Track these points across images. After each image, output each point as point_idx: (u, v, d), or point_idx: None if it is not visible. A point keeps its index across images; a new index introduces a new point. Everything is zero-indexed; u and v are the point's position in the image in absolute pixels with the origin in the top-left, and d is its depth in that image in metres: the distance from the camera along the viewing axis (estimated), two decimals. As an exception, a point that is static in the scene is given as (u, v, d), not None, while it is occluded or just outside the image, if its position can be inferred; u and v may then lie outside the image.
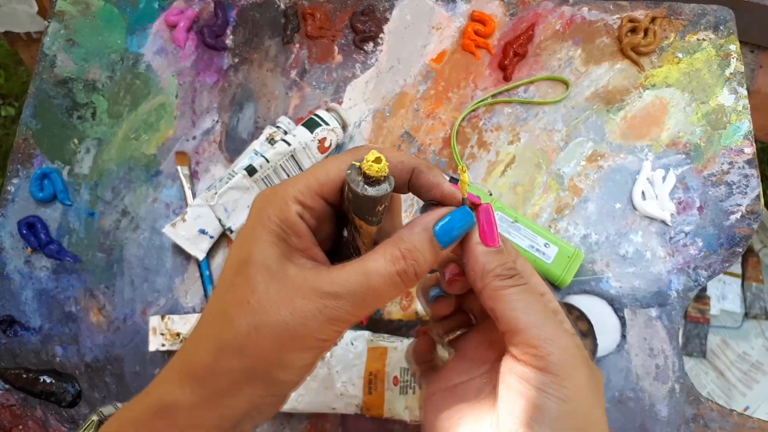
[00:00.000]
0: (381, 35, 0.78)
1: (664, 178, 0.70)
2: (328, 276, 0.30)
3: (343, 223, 0.36)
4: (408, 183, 0.34)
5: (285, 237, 0.31)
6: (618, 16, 0.76)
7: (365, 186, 0.29)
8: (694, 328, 1.18)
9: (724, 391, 1.16)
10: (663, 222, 0.69)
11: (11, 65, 1.75)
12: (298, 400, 0.59)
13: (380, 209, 0.30)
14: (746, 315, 1.20)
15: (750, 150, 0.70)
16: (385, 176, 0.29)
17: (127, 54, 0.78)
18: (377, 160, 0.29)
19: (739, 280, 1.24)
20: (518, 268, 0.33)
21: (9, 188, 0.74)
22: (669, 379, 0.64)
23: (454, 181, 0.69)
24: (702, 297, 1.18)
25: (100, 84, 0.77)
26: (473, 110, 0.74)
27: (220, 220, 0.67)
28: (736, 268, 1.24)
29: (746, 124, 0.71)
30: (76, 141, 0.75)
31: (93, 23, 0.80)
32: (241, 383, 0.30)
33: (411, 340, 0.62)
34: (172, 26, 0.79)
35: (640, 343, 0.65)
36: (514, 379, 0.31)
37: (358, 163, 0.30)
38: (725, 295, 1.22)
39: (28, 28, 0.96)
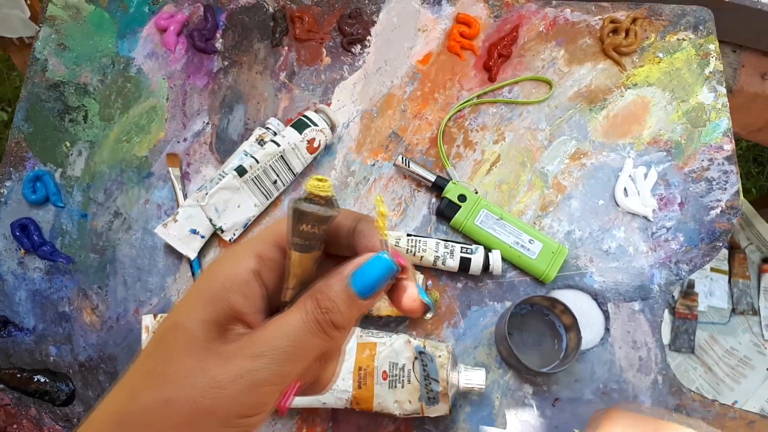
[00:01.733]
0: (368, 37, 0.79)
1: (645, 175, 0.71)
2: (249, 339, 0.27)
3: None
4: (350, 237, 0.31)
5: (225, 297, 0.28)
6: (600, 17, 0.78)
7: (302, 201, 0.27)
8: (682, 324, 1.19)
9: (713, 386, 1.18)
10: (645, 218, 0.70)
11: (3, 70, 1.75)
12: (288, 396, 0.60)
13: (307, 229, 0.28)
14: (733, 311, 1.22)
15: (729, 147, 0.72)
16: (326, 198, 0.28)
17: (118, 57, 0.79)
18: (321, 179, 0.28)
19: (726, 277, 1.25)
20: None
21: (2, 191, 0.74)
22: (652, 370, 0.65)
23: (442, 180, 0.70)
24: (690, 294, 1.19)
25: (92, 87, 0.78)
26: (459, 110, 0.76)
27: (211, 220, 0.68)
28: (723, 264, 1.25)
29: (725, 122, 0.73)
30: (68, 144, 0.76)
31: (84, 27, 0.81)
32: None
33: (400, 335, 0.63)
34: (163, 30, 0.80)
35: (624, 336, 0.66)
36: None
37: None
38: (713, 291, 1.23)
39: (20, 33, 0.96)
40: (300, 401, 0.61)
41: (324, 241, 0.30)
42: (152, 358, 0.27)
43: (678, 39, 0.77)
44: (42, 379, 0.68)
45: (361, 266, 0.29)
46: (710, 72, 0.75)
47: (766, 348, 1.17)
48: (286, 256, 0.29)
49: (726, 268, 1.25)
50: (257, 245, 0.30)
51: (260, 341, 0.27)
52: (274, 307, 0.30)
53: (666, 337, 1.12)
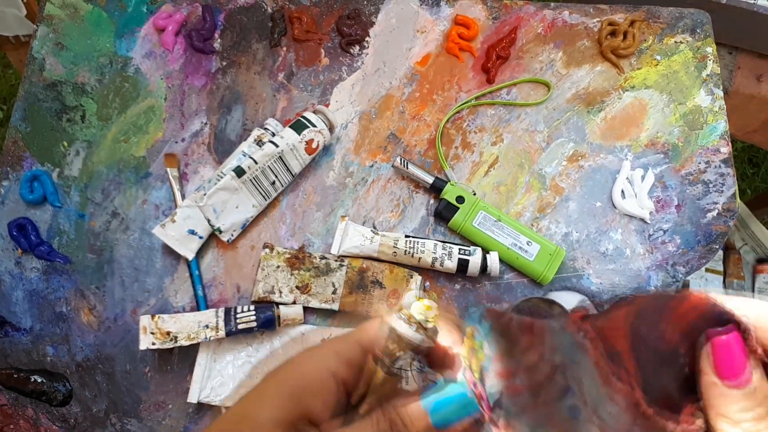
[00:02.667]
0: (367, 38, 0.79)
1: (643, 178, 0.72)
2: None
3: None
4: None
5: (302, 398, 0.28)
6: (598, 19, 0.78)
7: (398, 320, 0.27)
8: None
9: (708, 387, 1.18)
10: (642, 220, 0.70)
11: (-1, 68, 1.74)
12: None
13: (392, 348, 0.27)
14: (728, 311, 1.22)
15: (726, 149, 0.72)
16: (426, 327, 0.27)
17: (116, 57, 0.79)
18: (430, 308, 0.27)
19: (720, 277, 1.26)
20: None
21: (-1, 190, 0.74)
22: (648, 372, 0.66)
23: (440, 181, 0.71)
24: (685, 294, 1.20)
25: (89, 87, 0.78)
26: (457, 112, 0.76)
27: (209, 221, 0.68)
28: (718, 265, 1.26)
29: (722, 125, 0.73)
30: (65, 143, 0.76)
31: (82, 27, 0.80)
32: None
33: None
34: (161, 30, 0.79)
35: (620, 338, 0.67)
36: None
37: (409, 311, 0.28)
38: (707, 291, 1.24)
39: (16, 32, 0.96)
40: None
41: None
42: None
43: (675, 42, 0.77)
44: (39, 380, 0.68)
45: (441, 397, 0.27)
46: (707, 75, 0.75)
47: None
48: (371, 368, 0.28)
49: (721, 268, 1.25)
50: (342, 346, 0.29)
51: None
52: (346, 404, 0.30)
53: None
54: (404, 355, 0.27)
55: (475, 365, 0.27)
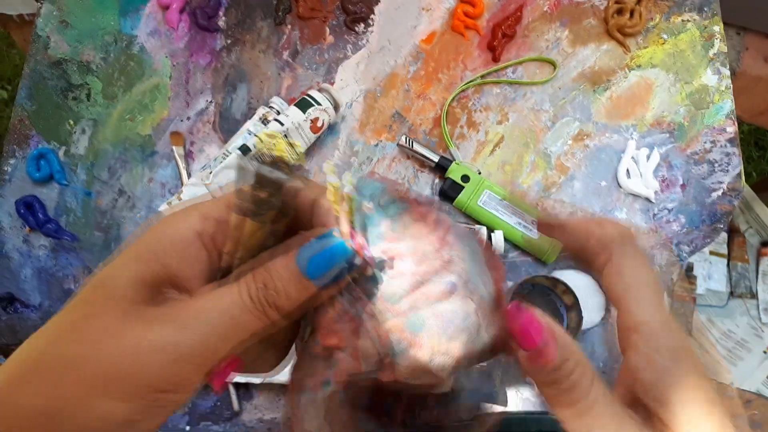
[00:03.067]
0: (372, 16, 0.79)
1: (648, 157, 0.71)
2: (178, 306, 0.25)
3: None
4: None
5: (160, 257, 0.25)
6: (605, -3, 0.78)
7: (252, 158, 0.24)
8: (680, 306, 1.20)
9: (710, 368, 1.19)
10: (647, 199, 0.71)
11: (3, 47, 1.74)
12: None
13: (251, 192, 0.24)
14: (731, 294, 1.23)
15: (732, 129, 0.72)
16: (285, 163, 0.24)
17: (121, 35, 0.79)
18: (273, 134, 0.25)
19: (724, 260, 1.26)
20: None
21: (6, 168, 0.74)
22: (651, 350, 0.66)
23: (445, 160, 0.71)
24: (689, 276, 1.20)
25: (95, 65, 0.78)
26: (463, 90, 0.76)
27: (215, 199, 0.69)
28: (722, 248, 1.26)
29: (728, 104, 0.73)
30: (71, 122, 0.76)
31: (86, 5, 0.80)
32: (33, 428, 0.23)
33: None
34: (165, 8, 0.79)
35: (624, 316, 0.67)
36: None
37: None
38: (711, 274, 1.24)
39: (20, 10, 0.96)
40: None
41: (283, 213, 0.26)
42: (75, 311, 0.24)
43: (682, 20, 0.76)
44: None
45: (309, 242, 0.25)
46: (714, 54, 0.75)
47: (763, 331, 1.18)
48: (237, 222, 0.26)
49: (725, 251, 1.25)
50: (208, 206, 0.27)
51: (190, 311, 0.24)
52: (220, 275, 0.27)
53: (664, 319, 1.13)
54: (258, 194, 0.24)
55: (352, 218, 0.26)
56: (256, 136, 0.25)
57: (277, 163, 0.24)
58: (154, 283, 0.25)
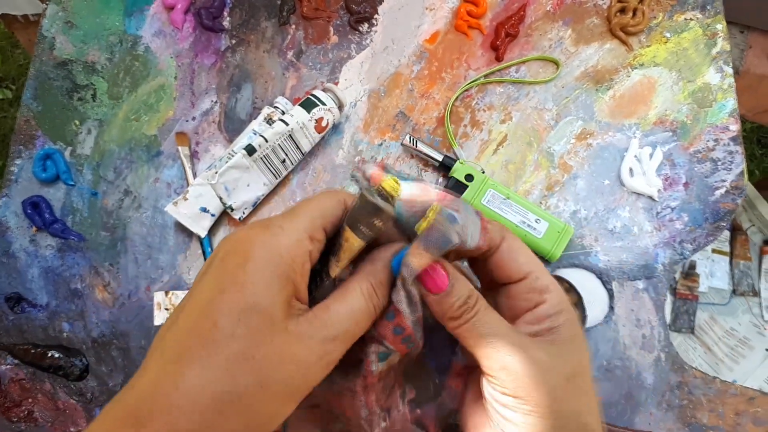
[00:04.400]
0: (376, 16, 0.79)
1: (651, 155, 0.72)
2: (320, 320, 0.29)
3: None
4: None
5: (293, 277, 0.29)
6: (608, -4, 0.78)
7: (377, 196, 0.30)
8: (683, 304, 1.20)
9: (712, 366, 1.19)
10: (650, 198, 0.71)
11: (8, 48, 1.74)
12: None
13: (376, 223, 0.31)
14: (734, 292, 1.23)
15: (735, 127, 0.72)
16: (394, 197, 0.31)
17: (126, 36, 0.79)
18: (396, 181, 0.31)
19: (727, 258, 1.26)
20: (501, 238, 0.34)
21: (12, 169, 0.75)
22: (655, 348, 0.67)
23: (449, 159, 0.71)
24: (691, 274, 1.20)
25: (100, 66, 0.78)
26: (466, 90, 0.76)
27: (221, 199, 0.69)
28: (725, 246, 1.26)
29: (731, 102, 0.73)
30: (77, 122, 0.76)
31: (91, 5, 0.80)
32: None
33: None
34: (170, 8, 0.79)
35: (628, 314, 0.67)
36: (492, 405, 0.31)
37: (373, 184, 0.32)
38: (714, 272, 1.24)
39: (25, 11, 0.96)
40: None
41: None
42: (239, 340, 0.27)
43: (685, 18, 0.76)
44: (56, 355, 0.69)
45: (400, 253, 0.32)
46: (717, 52, 0.75)
47: (765, 329, 1.18)
48: (342, 237, 0.32)
49: (727, 249, 1.26)
50: (309, 227, 0.31)
51: (333, 325, 0.29)
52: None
53: (667, 317, 1.13)
54: (381, 226, 0.31)
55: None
56: (390, 178, 0.31)
57: (388, 198, 0.31)
58: (291, 300, 0.29)
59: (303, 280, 0.30)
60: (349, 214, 0.32)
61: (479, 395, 0.33)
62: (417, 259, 0.30)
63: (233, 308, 0.27)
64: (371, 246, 0.33)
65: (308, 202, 0.32)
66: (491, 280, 0.35)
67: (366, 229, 0.31)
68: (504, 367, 0.30)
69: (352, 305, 0.30)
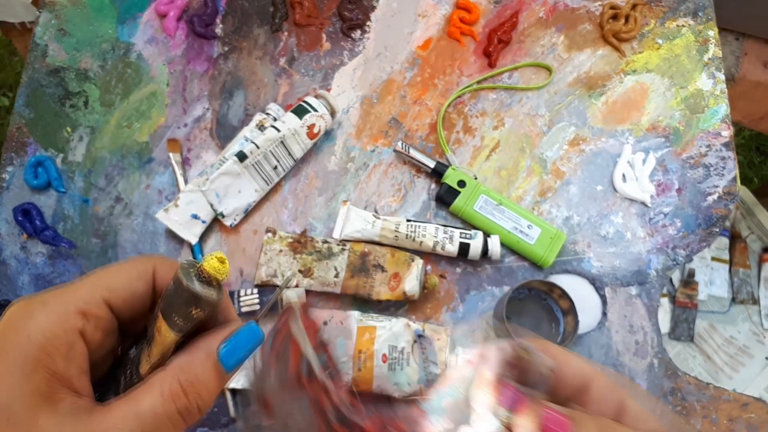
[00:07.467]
0: (368, 23, 0.79)
1: (644, 161, 0.72)
2: (90, 424, 0.23)
3: (124, 342, 0.30)
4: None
5: (43, 365, 0.23)
6: (600, 3, 0.78)
7: (196, 280, 0.25)
8: (682, 313, 1.20)
9: (711, 375, 1.18)
10: (643, 203, 0.71)
11: (5, 55, 1.75)
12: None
13: (194, 314, 0.25)
14: (733, 300, 1.22)
15: (727, 133, 0.72)
16: (219, 282, 0.26)
17: (118, 43, 0.79)
18: (222, 260, 0.26)
19: (726, 266, 1.25)
20: None
21: (4, 176, 0.75)
22: (648, 354, 0.66)
23: (442, 165, 0.71)
24: (690, 283, 1.20)
25: (92, 73, 0.78)
26: (459, 96, 0.76)
27: (212, 205, 0.69)
28: (724, 254, 1.26)
29: (723, 108, 0.73)
30: (69, 129, 0.76)
31: (84, 13, 0.81)
32: None
33: (399, 319, 0.64)
34: (162, 16, 0.80)
35: (621, 320, 0.67)
36: None
37: (197, 262, 0.26)
38: (713, 280, 1.24)
39: (22, 18, 0.96)
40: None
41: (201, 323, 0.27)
42: None
43: (677, 25, 0.77)
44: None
45: (230, 339, 0.26)
46: (709, 58, 0.75)
47: (765, 337, 1.18)
48: (155, 326, 0.27)
49: (727, 257, 1.25)
50: (81, 300, 0.26)
51: (107, 429, 0.23)
52: (93, 366, 0.27)
53: (666, 326, 1.12)
54: (200, 314, 0.26)
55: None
56: (212, 257, 0.26)
57: (214, 283, 0.25)
58: (47, 391, 0.23)
59: (72, 366, 0.25)
60: (163, 300, 0.26)
61: None
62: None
63: None
64: (196, 331, 0.27)
65: (101, 269, 0.27)
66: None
67: (181, 320, 0.25)
68: None
69: (139, 408, 0.24)
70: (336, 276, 0.67)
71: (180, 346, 0.27)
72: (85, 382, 0.25)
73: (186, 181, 0.73)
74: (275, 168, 0.71)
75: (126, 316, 0.28)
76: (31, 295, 0.25)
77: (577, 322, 0.62)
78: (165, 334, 0.26)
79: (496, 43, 0.76)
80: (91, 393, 0.26)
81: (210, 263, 0.25)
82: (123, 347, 0.30)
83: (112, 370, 0.30)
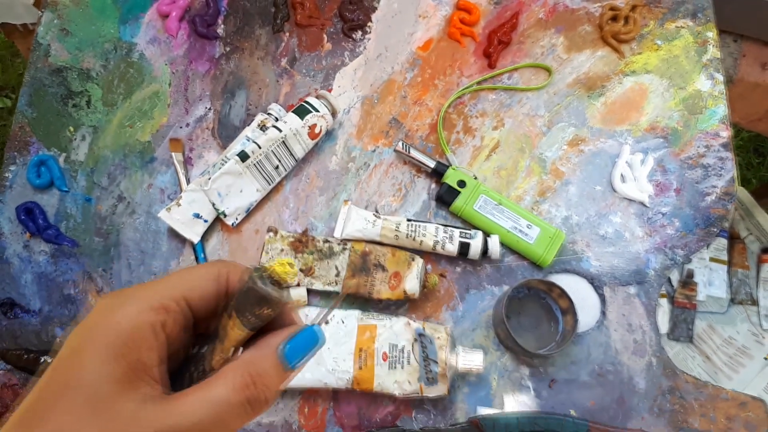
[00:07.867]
0: (369, 23, 0.80)
1: (642, 162, 0.72)
2: (167, 408, 0.25)
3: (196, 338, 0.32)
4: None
5: (128, 352, 0.25)
6: (599, 4, 0.79)
7: (268, 282, 0.27)
8: (681, 313, 1.20)
9: (711, 375, 1.19)
10: (641, 203, 0.71)
11: (7, 57, 1.76)
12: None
13: (265, 312, 0.28)
14: (732, 300, 1.22)
15: (725, 134, 0.73)
16: (288, 285, 0.28)
17: (121, 43, 0.80)
18: (291, 265, 0.28)
19: (725, 267, 1.26)
20: None
21: (7, 175, 0.75)
22: (646, 353, 0.66)
23: (442, 165, 0.71)
24: (689, 283, 1.20)
25: (95, 73, 0.79)
26: (459, 97, 0.76)
27: (213, 205, 0.69)
28: (723, 254, 1.26)
29: (722, 109, 0.74)
30: (71, 128, 0.77)
31: (86, 13, 0.81)
32: None
33: (400, 318, 0.64)
34: (165, 16, 0.80)
35: (619, 319, 0.67)
36: None
37: (267, 266, 0.28)
38: (712, 281, 1.24)
39: (24, 20, 0.97)
40: (302, 382, 0.62)
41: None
42: (51, 422, 0.24)
43: (676, 26, 0.77)
44: (49, 360, 0.69)
45: (292, 338, 0.28)
46: (708, 59, 0.76)
47: (764, 338, 1.18)
48: (226, 323, 0.29)
49: (725, 258, 1.25)
50: (163, 296, 0.28)
51: (182, 414, 0.25)
52: (168, 359, 0.28)
53: (665, 326, 1.13)
54: (269, 313, 0.28)
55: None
56: (280, 262, 0.28)
57: (283, 285, 0.28)
58: (132, 378, 0.25)
59: (153, 356, 0.26)
60: (236, 299, 0.28)
61: None
62: None
63: (52, 384, 0.25)
64: (261, 331, 0.29)
65: (180, 270, 0.29)
66: None
67: (253, 318, 0.28)
68: None
69: (212, 395, 0.26)
70: (337, 275, 0.68)
71: (247, 344, 0.29)
72: (163, 372, 0.27)
73: (188, 181, 0.74)
74: (277, 168, 0.71)
75: (200, 314, 0.29)
76: (120, 290, 0.28)
77: (576, 321, 0.63)
78: (237, 330, 0.28)
79: (496, 44, 0.77)
80: (167, 382, 0.28)
81: (280, 267, 0.28)
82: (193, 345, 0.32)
83: (181, 366, 0.31)
